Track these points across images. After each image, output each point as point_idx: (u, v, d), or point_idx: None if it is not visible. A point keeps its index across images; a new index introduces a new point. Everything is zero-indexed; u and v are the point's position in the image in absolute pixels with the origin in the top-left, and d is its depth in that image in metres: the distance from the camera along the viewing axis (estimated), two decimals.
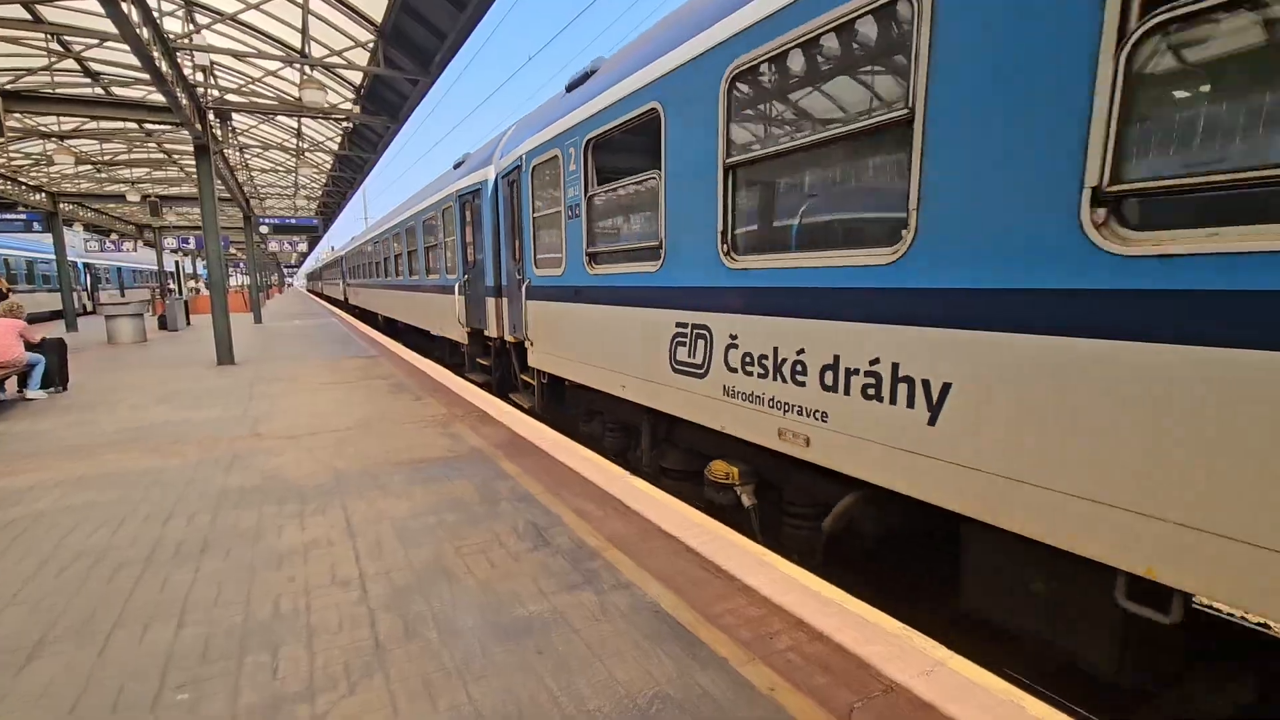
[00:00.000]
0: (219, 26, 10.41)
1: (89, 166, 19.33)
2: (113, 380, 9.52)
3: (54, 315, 26.34)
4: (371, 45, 9.63)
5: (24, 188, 18.62)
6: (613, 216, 5.62)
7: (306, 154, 16.96)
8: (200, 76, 10.79)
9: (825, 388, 3.17)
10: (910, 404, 2.73)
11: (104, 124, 13.98)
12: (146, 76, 8.42)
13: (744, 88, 3.70)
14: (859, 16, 2.88)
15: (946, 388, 2.57)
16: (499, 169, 7.72)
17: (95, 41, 9.90)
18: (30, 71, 9.91)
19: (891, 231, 2.84)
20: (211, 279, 11.27)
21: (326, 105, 9.76)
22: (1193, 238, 1.86)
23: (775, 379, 3.50)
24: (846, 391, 3.05)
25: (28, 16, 10.36)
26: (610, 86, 4.94)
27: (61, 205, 20.38)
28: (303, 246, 48.83)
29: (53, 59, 10.03)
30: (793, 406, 3.39)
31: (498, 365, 8.78)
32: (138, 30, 6.28)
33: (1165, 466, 1.95)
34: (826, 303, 3.14)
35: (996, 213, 2.38)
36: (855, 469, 3.05)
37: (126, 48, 10.61)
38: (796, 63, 3.35)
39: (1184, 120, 2.02)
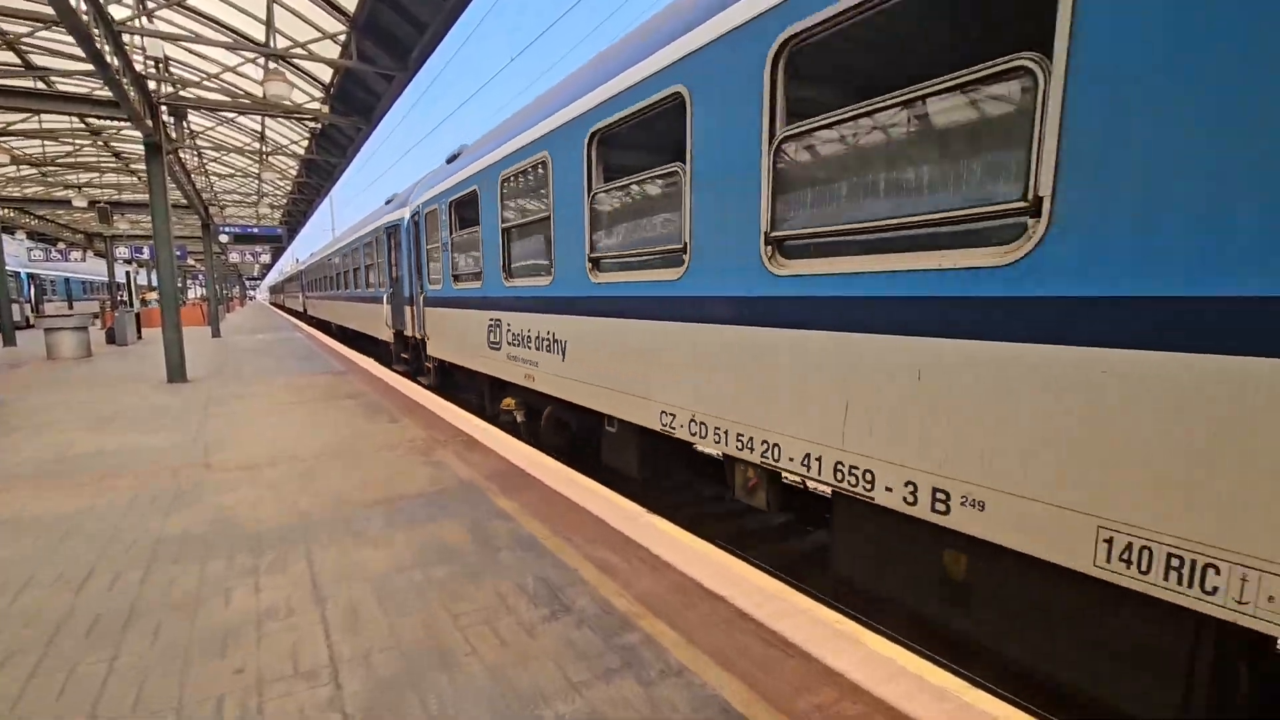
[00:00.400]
0: (173, 16, 9.60)
1: (33, 170, 18.05)
2: (44, 400, 8.53)
3: None
4: (343, 38, 8.92)
5: None
6: (464, 252, 7.95)
7: (270, 158, 16.01)
8: (153, 69, 9.94)
9: (537, 349, 5.89)
10: (555, 352, 5.51)
11: (45, 120, 12.92)
12: (93, 69, 7.59)
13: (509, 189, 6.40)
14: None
15: (562, 341, 5.37)
16: (411, 210, 10.01)
17: (28, 29, 9.00)
18: None
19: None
20: (162, 290, 10.33)
21: (291, 102, 8.99)
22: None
23: (524, 347, 6.18)
24: (540, 349, 5.81)
25: None
26: (459, 170, 7.76)
27: (1, 211, 18.99)
28: (266, 258, 46.98)
29: None
30: (529, 360, 6.07)
31: (414, 358, 11.21)
32: (71, 2, 5.50)
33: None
34: (539, 305, 5.75)
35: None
36: (546, 390, 5.81)
37: (71, 39, 9.73)
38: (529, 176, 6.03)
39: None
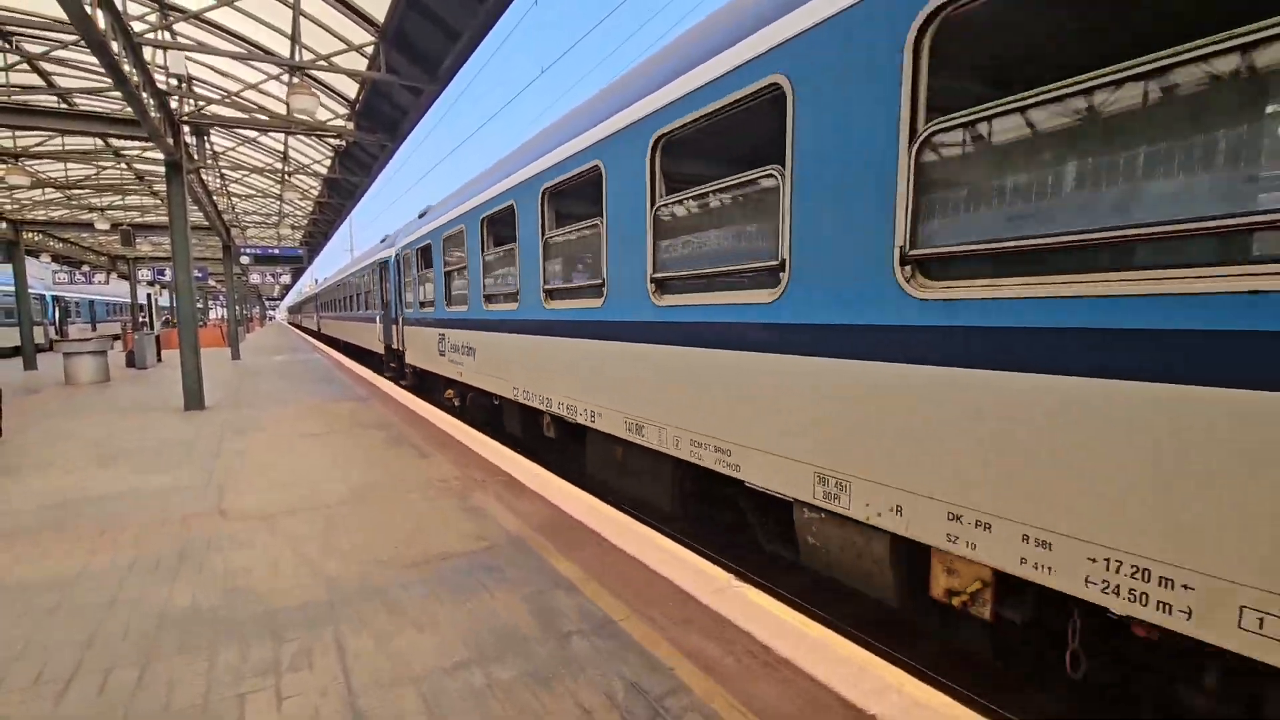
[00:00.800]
0: (195, 33, 9.29)
1: (58, 194, 18.00)
2: (56, 430, 8.07)
3: (15, 351, 24.57)
4: (370, 49, 8.53)
5: None
6: (427, 284, 10.43)
7: (292, 178, 15.73)
8: (175, 84, 9.63)
9: (464, 354, 8.36)
10: (469, 356, 8.18)
11: (67, 141, 12.71)
12: (117, 91, 7.23)
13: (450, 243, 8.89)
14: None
15: (473, 348, 8.04)
16: (395, 251, 12.85)
17: (46, 47, 8.71)
18: None
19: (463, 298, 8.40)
20: (180, 313, 9.92)
21: (316, 117, 8.61)
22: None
23: (459, 354, 8.60)
24: (465, 355, 8.37)
25: None
26: (420, 228, 10.32)
27: (26, 234, 18.91)
28: (285, 278, 47.25)
29: (6, 61, 8.80)
30: (461, 362, 8.50)
31: (399, 365, 13.53)
32: (86, 9, 5.08)
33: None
34: (471, 325, 8.05)
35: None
36: (469, 381, 8.26)
37: (94, 60, 9.47)
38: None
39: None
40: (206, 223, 17.56)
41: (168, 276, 28.35)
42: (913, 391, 2.64)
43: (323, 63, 8.44)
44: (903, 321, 2.66)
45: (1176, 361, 1.86)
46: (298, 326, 58.83)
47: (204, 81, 11.04)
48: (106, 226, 17.92)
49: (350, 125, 10.43)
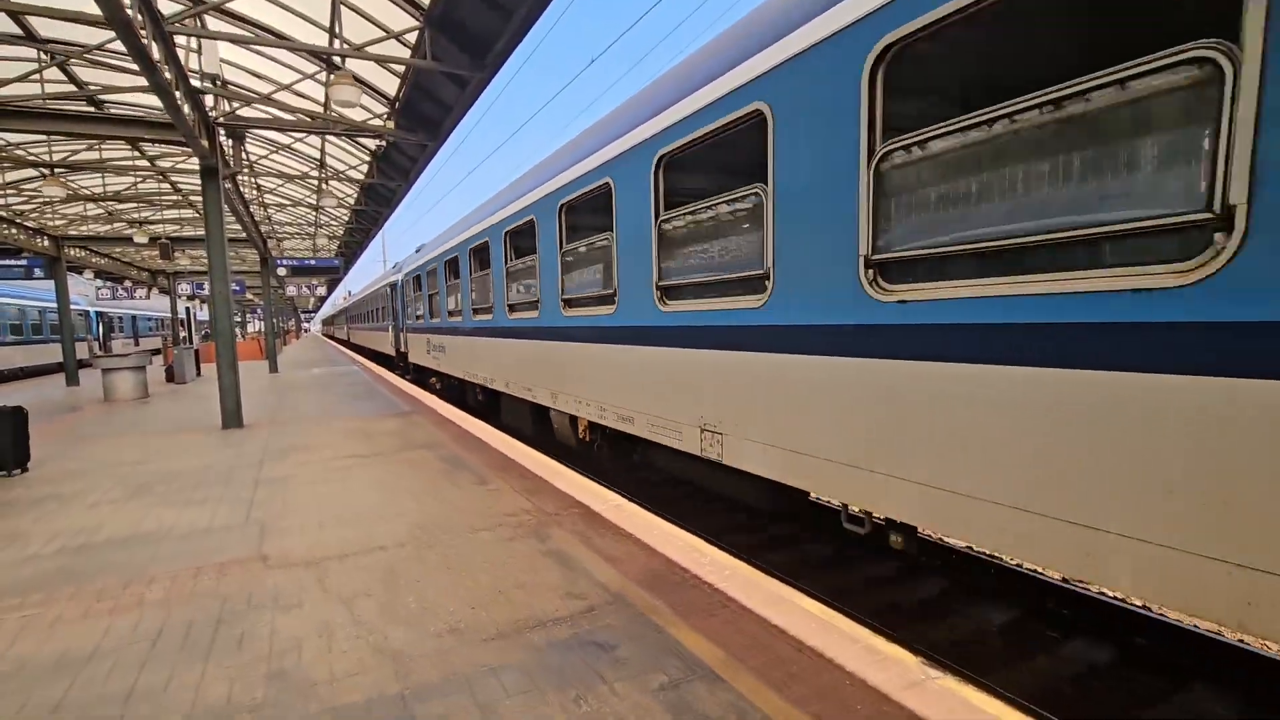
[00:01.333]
0: (226, 28, 8.80)
1: (99, 209, 17.96)
2: (89, 455, 7.57)
3: (58, 367, 24.82)
4: (414, 35, 7.92)
5: (27, 231, 17.16)
6: (418, 305, 13.90)
7: (329, 184, 15.32)
8: (208, 84, 9.17)
9: (438, 352, 12.56)
10: (442, 353, 12.04)
11: (104, 153, 12.42)
12: (151, 93, 6.71)
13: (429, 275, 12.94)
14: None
15: (444, 346, 11.94)
16: (401, 276, 16.44)
17: (80, 49, 8.28)
18: (3, 82, 8.25)
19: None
20: (217, 326, 9.42)
21: (359, 106, 8.01)
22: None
23: (441, 352, 12.22)
24: (438, 352, 12.56)
25: (18, 31, 8.85)
26: (411, 265, 14.97)
27: (67, 250, 18.92)
28: (321, 290, 47.57)
29: (39, 64, 8.39)
30: (439, 359, 12.39)
31: (404, 364, 17.45)
32: None
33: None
34: (444, 331, 11.94)
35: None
36: (445, 370, 12.04)
37: (126, 57, 9.01)
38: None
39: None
40: (244, 235, 17.31)
41: (207, 290, 28.50)
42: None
43: (363, 52, 7.83)
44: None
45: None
46: (331, 338, 61.75)
47: (239, 85, 10.59)
48: (145, 240, 17.78)
49: (390, 124, 9.85)
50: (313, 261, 22.85)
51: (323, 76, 9.55)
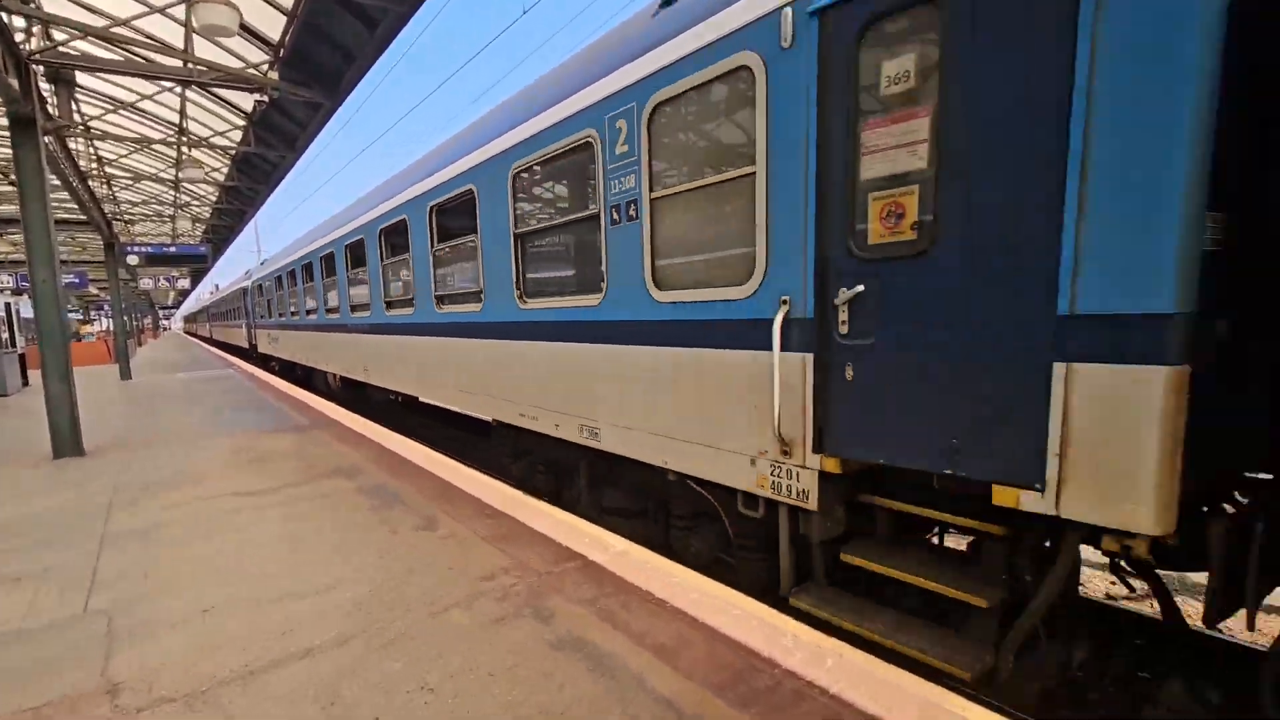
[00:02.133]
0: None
1: None
2: None
3: None
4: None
5: None
6: (266, 303, 18.76)
7: (191, 153, 12.75)
8: (20, 23, 7.00)
9: (277, 340, 16.59)
10: (278, 342, 16.43)
11: None
12: None
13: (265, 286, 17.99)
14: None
15: (277, 338, 16.98)
16: (251, 282, 20.61)
17: None
18: None
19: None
20: (42, 325, 7.26)
21: (234, 55, 6.27)
22: None
23: (277, 341, 16.86)
24: (276, 341, 16.71)
25: None
26: (260, 272, 19.33)
27: None
28: (184, 283, 41.96)
29: None
30: (276, 346, 16.90)
31: (253, 353, 21.93)
32: None
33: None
34: (284, 327, 15.69)
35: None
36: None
37: None
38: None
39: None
40: (83, 216, 14.28)
41: None
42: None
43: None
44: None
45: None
46: (194, 335, 59.97)
47: (65, 18, 8.25)
48: None
49: (273, 76, 7.96)
50: (173, 249, 19.52)
51: (180, 11, 7.53)
